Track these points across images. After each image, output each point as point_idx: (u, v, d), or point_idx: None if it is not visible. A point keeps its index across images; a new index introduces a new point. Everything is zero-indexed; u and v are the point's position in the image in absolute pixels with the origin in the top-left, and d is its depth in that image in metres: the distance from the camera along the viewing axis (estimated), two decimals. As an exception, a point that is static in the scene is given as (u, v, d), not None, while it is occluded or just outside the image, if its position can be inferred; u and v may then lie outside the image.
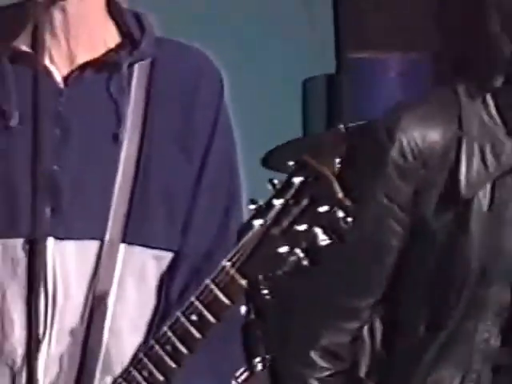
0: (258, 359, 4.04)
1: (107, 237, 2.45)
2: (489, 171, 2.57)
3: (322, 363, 2.68)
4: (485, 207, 2.61)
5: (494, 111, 2.58)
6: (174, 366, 2.27)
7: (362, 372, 2.74)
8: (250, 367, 4.03)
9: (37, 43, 2.41)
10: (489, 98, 2.58)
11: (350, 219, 2.12)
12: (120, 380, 2.38)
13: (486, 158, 2.58)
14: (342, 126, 3.57)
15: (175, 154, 2.51)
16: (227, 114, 2.59)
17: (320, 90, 6.17)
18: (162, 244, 2.48)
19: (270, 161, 4.22)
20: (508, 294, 2.64)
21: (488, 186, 2.61)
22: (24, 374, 2.36)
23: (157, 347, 2.29)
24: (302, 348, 2.73)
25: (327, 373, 2.69)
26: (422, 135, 2.58)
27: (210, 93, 2.57)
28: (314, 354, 2.68)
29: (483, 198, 2.62)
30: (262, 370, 4.10)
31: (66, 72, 2.49)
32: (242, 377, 3.99)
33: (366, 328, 2.74)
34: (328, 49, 6.31)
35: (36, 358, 2.34)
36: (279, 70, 5.94)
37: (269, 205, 2.12)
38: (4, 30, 2.51)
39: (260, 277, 2.25)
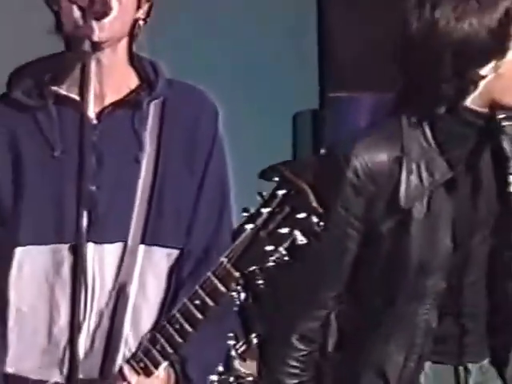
0: (253, 335, 4.30)
1: (130, 239, 2.60)
2: (424, 186, 2.69)
3: (299, 345, 2.77)
4: (422, 215, 2.72)
5: (429, 136, 2.70)
6: (180, 340, 2.42)
7: (330, 347, 2.84)
8: (247, 341, 4.31)
9: (82, 92, 2.53)
10: (425, 125, 2.70)
11: (322, 223, 2.28)
12: (139, 353, 2.52)
13: (422, 175, 2.69)
14: (323, 151, 4.08)
15: (181, 172, 2.65)
16: (221, 140, 2.72)
17: (307, 123, 6.23)
18: (171, 243, 2.62)
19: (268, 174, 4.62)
20: (443, 283, 2.77)
21: (425, 198, 2.72)
22: (68, 352, 2.52)
23: (167, 326, 2.44)
24: (284, 333, 2.81)
25: (303, 353, 2.80)
26: (371, 159, 2.68)
27: (208, 124, 2.69)
28: (293, 338, 2.77)
29: (421, 207, 2.72)
30: (256, 343, 4.32)
31: (97, 110, 2.61)
32: (241, 348, 4.29)
33: (333, 313, 2.82)
34: (313, 89, 6.32)
35: (78, 338, 2.44)
36: (273, 106, 5.96)
37: (258, 212, 2.28)
38: (48, 76, 2.61)
39: (256, 269, 2.37)
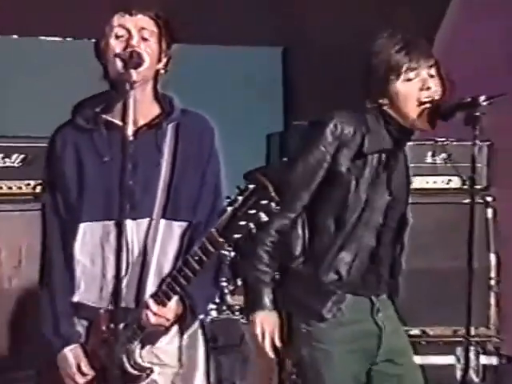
0: (239, 279, 4.20)
1: (154, 216, 2.66)
2: (379, 146, 2.81)
3: (273, 233, 2.83)
4: (375, 164, 2.83)
5: (380, 119, 2.82)
6: (184, 283, 2.52)
7: (297, 252, 2.89)
8: (235, 283, 4.43)
9: (124, 118, 2.48)
10: (377, 112, 2.82)
11: (278, 207, 2.33)
12: (158, 291, 2.58)
13: (375, 140, 2.81)
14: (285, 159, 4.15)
15: (189, 171, 2.71)
16: (217, 151, 2.76)
17: (276, 142, 6.08)
18: (183, 218, 2.68)
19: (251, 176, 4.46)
20: (380, 219, 2.87)
21: (374, 160, 2.82)
22: (114, 291, 2.54)
23: (175, 273, 2.54)
24: (255, 248, 2.87)
25: (275, 239, 2.84)
26: (345, 123, 2.81)
27: (209, 140, 2.75)
28: (271, 229, 2.81)
29: (376, 159, 2.83)
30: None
31: (132, 130, 2.55)
32: (231, 288, 4.45)
33: (299, 224, 2.89)
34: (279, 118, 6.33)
35: (121, 282, 2.47)
36: (251, 130, 6.03)
37: (235, 199, 2.37)
38: (99, 107, 2.68)
39: (235, 237, 2.41)
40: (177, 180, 2.68)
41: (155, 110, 2.72)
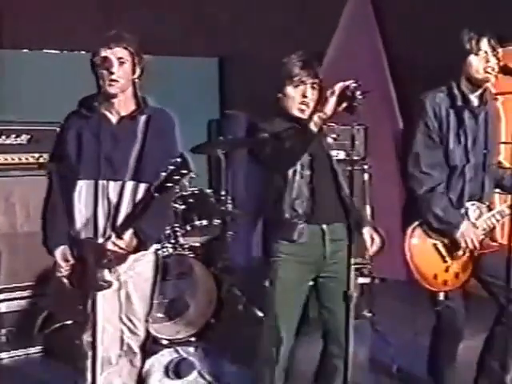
0: (188, 225, 4.32)
1: (127, 178, 2.68)
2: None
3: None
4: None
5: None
6: (134, 220, 2.54)
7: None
8: (185, 228, 4.32)
9: (110, 111, 2.69)
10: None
11: (194, 177, 2.41)
12: (116, 227, 2.62)
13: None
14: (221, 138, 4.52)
15: (157, 147, 2.70)
16: (178, 136, 2.77)
17: (215, 126, 6.21)
18: (147, 180, 2.58)
19: (196, 150, 4.34)
20: (307, 171, 2.74)
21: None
22: (93, 229, 2.63)
23: (129, 213, 2.60)
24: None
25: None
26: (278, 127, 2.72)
27: (171, 129, 2.78)
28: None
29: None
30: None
31: (117, 119, 2.73)
32: (182, 231, 4.28)
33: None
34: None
35: (98, 224, 2.61)
36: (198, 117, 5.86)
37: (167, 169, 2.36)
38: (96, 102, 2.69)
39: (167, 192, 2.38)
40: (145, 154, 2.70)
41: (133, 105, 2.78)
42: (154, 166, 2.59)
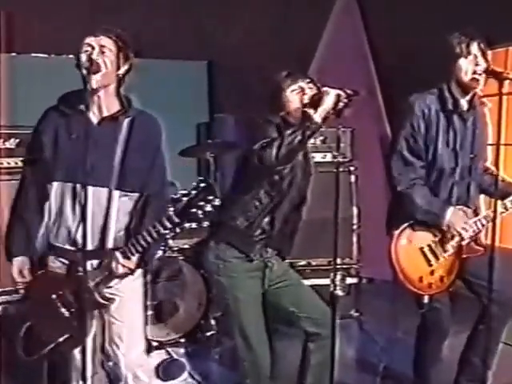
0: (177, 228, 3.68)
1: (112, 187, 2.57)
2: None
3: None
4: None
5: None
6: (145, 245, 2.48)
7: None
8: (175, 231, 3.85)
9: (91, 110, 2.54)
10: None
11: (219, 203, 2.34)
12: (123, 249, 2.54)
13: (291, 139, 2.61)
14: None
15: (141, 154, 2.60)
16: (163, 142, 2.66)
17: (204, 129, 6.17)
18: (133, 190, 2.60)
19: (184, 153, 4.30)
20: (276, 177, 2.77)
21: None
22: (81, 238, 2.47)
23: (140, 237, 2.51)
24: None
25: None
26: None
27: (157, 134, 2.66)
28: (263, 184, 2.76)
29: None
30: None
31: (97, 120, 2.59)
32: (172, 234, 4.05)
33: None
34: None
35: (86, 230, 2.41)
36: (187, 120, 5.87)
37: (190, 193, 2.35)
38: (76, 100, 2.52)
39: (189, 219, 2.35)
40: (127, 161, 2.57)
41: (116, 106, 2.63)
42: (137, 175, 2.55)
